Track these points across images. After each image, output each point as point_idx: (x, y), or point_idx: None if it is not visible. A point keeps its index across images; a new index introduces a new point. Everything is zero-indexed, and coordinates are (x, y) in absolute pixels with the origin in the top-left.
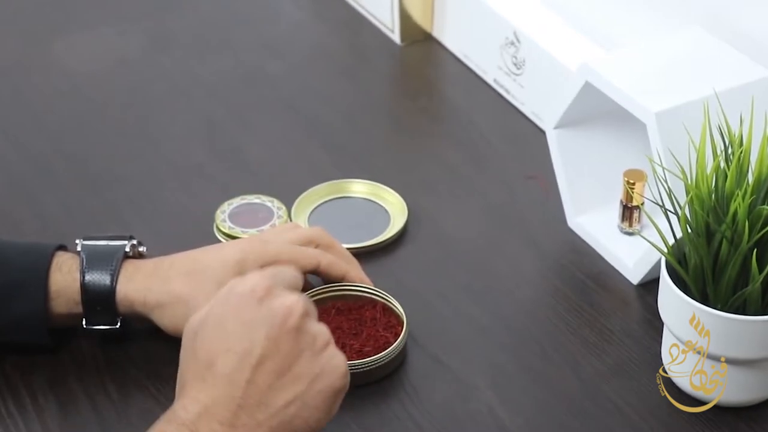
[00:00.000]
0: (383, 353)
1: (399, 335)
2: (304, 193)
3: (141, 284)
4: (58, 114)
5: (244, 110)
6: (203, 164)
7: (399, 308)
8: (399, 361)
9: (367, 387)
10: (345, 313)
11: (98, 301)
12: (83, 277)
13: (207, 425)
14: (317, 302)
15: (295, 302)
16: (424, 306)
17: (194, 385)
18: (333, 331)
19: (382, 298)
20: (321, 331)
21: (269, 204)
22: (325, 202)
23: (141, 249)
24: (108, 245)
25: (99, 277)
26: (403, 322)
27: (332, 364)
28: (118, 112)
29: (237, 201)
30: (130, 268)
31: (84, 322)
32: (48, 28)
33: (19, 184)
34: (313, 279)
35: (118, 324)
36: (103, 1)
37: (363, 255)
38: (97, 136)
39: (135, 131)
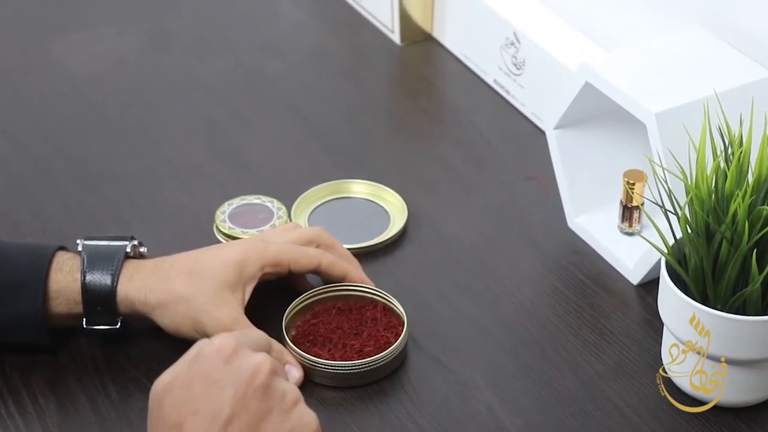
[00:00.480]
0: (384, 353)
1: (400, 335)
2: (304, 194)
3: (141, 284)
4: (58, 114)
5: (244, 110)
6: (203, 164)
7: (399, 308)
8: (399, 362)
9: (367, 387)
10: (346, 313)
11: (99, 301)
12: (84, 277)
13: None
14: (318, 302)
15: (263, 360)
16: (424, 306)
17: None
18: (333, 330)
19: (383, 298)
20: (290, 388)
21: (269, 204)
22: (325, 202)
23: (142, 249)
24: (109, 245)
25: (100, 277)
26: (403, 322)
27: (303, 421)
28: (118, 112)
29: (237, 201)
30: (130, 268)
31: (84, 322)
32: (48, 28)
33: (19, 184)
34: (314, 279)
35: (118, 324)
36: (103, 1)
37: (363, 255)
38: (96, 136)
39: (135, 131)
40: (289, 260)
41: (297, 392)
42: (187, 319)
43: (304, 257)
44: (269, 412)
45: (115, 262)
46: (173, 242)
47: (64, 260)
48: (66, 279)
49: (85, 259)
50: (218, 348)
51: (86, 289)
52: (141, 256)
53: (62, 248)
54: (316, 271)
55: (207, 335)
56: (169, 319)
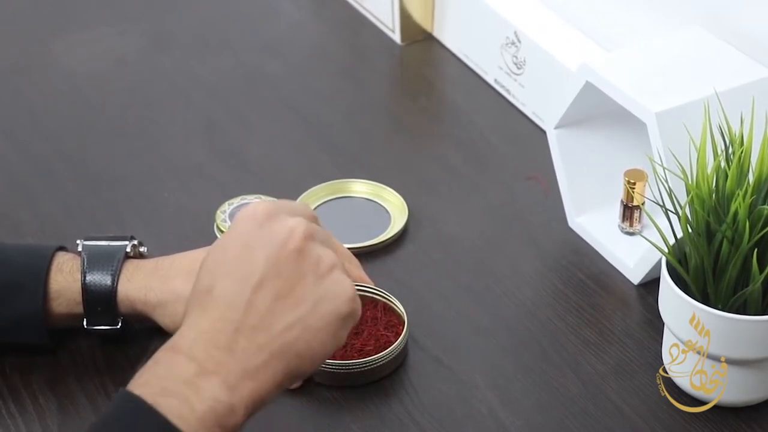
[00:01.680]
0: (384, 352)
1: (400, 335)
2: (304, 193)
3: (142, 283)
4: (57, 114)
5: (244, 110)
6: (203, 164)
7: (400, 308)
8: (400, 361)
9: (367, 387)
10: None
11: (99, 301)
12: (84, 277)
13: (204, 350)
14: None
15: (298, 224)
16: (424, 306)
17: (193, 311)
18: None
19: (383, 297)
20: (326, 254)
21: None
22: (325, 202)
23: (142, 249)
24: (109, 245)
25: (100, 278)
26: (404, 322)
27: (338, 287)
28: (118, 112)
29: (237, 201)
30: (130, 268)
31: (85, 323)
32: (48, 28)
33: (18, 184)
34: None
35: (119, 324)
36: (103, 1)
37: (363, 255)
38: (96, 136)
39: (134, 131)
40: None
41: (333, 258)
42: None
43: None
44: (302, 277)
45: (115, 262)
46: (173, 242)
47: (64, 261)
48: (66, 279)
49: (85, 260)
50: (253, 211)
51: (86, 289)
52: (141, 256)
53: (62, 248)
54: None
55: None
56: (169, 319)
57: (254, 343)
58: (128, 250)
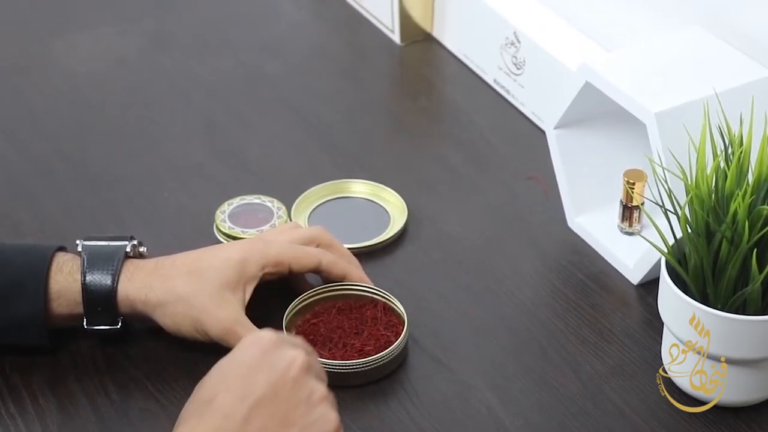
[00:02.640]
0: (384, 352)
1: (400, 335)
2: (304, 193)
3: (142, 283)
4: (57, 114)
5: (244, 110)
6: (203, 164)
7: (400, 308)
8: (400, 361)
9: (367, 387)
10: (346, 313)
11: (99, 301)
12: (84, 277)
13: None
14: (318, 302)
15: (298, 355)
16: (424, 306)
17: (191, 419)
18: (334, 330)
19: (383, 297)
20: (318, 387)
21: (269, 204)
22: (325, 202)
23: (142, 249)
24: (108, 245)
25: (100, 278)
26: (404, 322)
27: (325, 418)
28: (118, 112)
29: (237, 201)
30: (130, 267)
31: (85, 323)
32: (48, 28)
33: (18, 184)
34: (315, 279)
35: (119, 324)
36: (103, 1)
37: (363, 255)
38: (96, 136)
39: (134, 131)
40: (290, 260)
41: (324, 391)
42: (188, 318)
43: (305, 257)
44: (296, 404)
45: (115, 262)
46: (173, 242)
47: (64, 261)
48: (66, 280)
49: (85, 260)
50: (260, 339)
51: (86, 289)
52: (141, 255)
53: (62, 249)
54: (317, 270)
55: (208, 335)
56: (170, 319)
57: None
58: (128, 250)
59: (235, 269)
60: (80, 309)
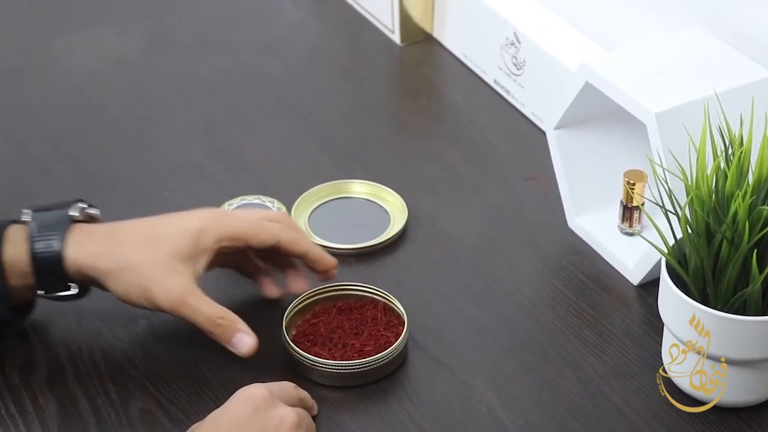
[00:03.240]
0: (384, 353)
1: (400, 335)
2: (304, 194)
3: (91, 249)
4: (57, 114)
5: (244, 110)
6: (203, 164)
7: (400, 308)
8: (400, 361)
9: (367, 387)
10: (346, 313)
11: (48, 269)
12: (32, 245)
13: None
14: (318, 302)
15: (288, 414)
16: (424, 306)
17: None
18: (334, 330)
19: (383, 297)
20: None
21: (269, 204)
22: (325, 202)
23: (93, 212)
24: (55, 213)
25: (46, 245)
26: (404, 322)
27: None
28: (118, 112)
29: (237, 201)
30: (79, 232)
31: (39, 292)
32: (48, 28)
33: (18, 184)
34: (314, 279)
35: (76, 290)
36: (103, 1)
37: (363, 255)
38: (96, 137)
39: (134, 131)
40: (248, 234)
41: None
42: (137, 288)
43: (264, 232)
44: None
45: (61, 228)
46: None
47: (14, 232)
48: (17, 250)
49: (33, 228)
50: (252, 395)
51: (35, 258)
52: (92, 219)
53: (14, 221)
54: (276, 247)
55: (157, 305)
56: (122, 288)
57: None
58: (73, 213)
59: (190, 239)
60: (32, 279)
